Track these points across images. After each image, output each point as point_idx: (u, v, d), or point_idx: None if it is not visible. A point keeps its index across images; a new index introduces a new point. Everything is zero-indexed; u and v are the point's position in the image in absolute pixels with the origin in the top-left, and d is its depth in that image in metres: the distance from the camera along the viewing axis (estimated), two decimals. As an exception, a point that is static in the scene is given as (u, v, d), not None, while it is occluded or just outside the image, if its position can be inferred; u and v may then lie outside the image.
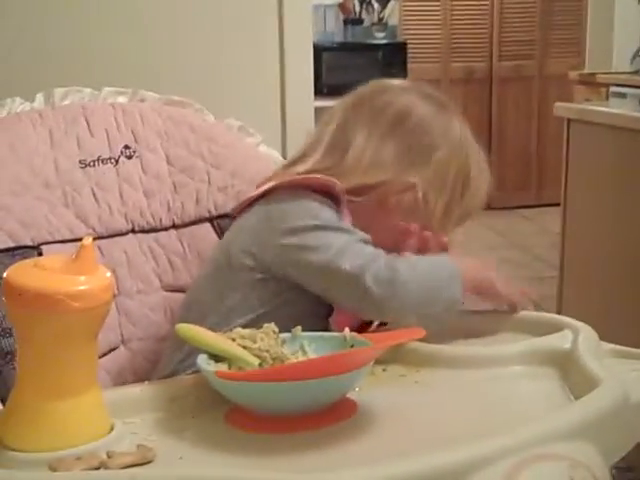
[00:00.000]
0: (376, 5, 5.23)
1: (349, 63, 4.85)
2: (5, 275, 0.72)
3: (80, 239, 1.17)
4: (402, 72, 5.13)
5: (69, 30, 1.73)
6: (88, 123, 1.25)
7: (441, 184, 1.08)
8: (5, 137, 1.18)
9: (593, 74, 4.17)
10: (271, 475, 0.63)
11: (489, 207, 4.77)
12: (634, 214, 2.24)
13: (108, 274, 0.74)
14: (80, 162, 1.22)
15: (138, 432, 0.75)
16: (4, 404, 0.94)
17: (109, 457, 0.68)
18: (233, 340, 0.80)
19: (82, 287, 0.71)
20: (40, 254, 1.13)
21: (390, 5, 5.23)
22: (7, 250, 1.09)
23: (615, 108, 2.76)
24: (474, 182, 1.13)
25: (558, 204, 5.38)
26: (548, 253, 4.32)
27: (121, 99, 1.31)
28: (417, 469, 0.61)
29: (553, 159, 5.49)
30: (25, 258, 1.10)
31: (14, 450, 0.71)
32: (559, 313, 2.72)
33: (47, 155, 1.20)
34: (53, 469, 0.68)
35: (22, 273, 0.72)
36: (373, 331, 0.92)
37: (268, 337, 0.80)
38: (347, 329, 0.82)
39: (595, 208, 2.46)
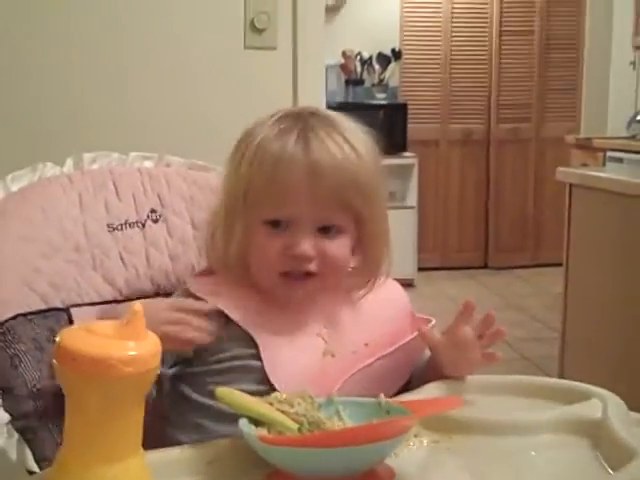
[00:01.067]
0: (377, 66, 5.35)
1: (350, 123, 4.93)
2: (58, 339, 0.75)
3: (108, 301, 1.22)
4: (402, 132, 5.23)
5: (97, 95, 1.79)
6: (116, 187, 1.28)
7: None
8: (37, 201, 1.20)
9: (589, 139, 4.26)
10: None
11: (486, 266, 4.82)
12: (636, 276, 2.28)
13: (157, 340, 0.77)
14: (108, 226, 1.24)
15: (179, 496, 0.77)
16: (39, 465, 0.96)
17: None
18: (271, 404, 0.82)
19: (134, 352, 0.73)
20: (70, 316, 1.16)
21: (391, 67, 5.35)
22: (40, 312, 1.12)
23: (612, 173, 2.82)
24: None
25: (554, 265, 5.47)
26: (545, 314, 4.36)
27: (147, 164, 1.35)
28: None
29: (549, 220, 5.57)
30: (57, 320, 1.14)
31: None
32: (561, 374, 2.75)
33: (77, 219, 1.22)
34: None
35: (75, 338, 0.74)
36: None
37: (305, 401, 0.82)
38: (382, 394, 0.85)
39: (597, 270, 2.50)
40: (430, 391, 0.93)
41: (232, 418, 0.84)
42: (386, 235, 1.11)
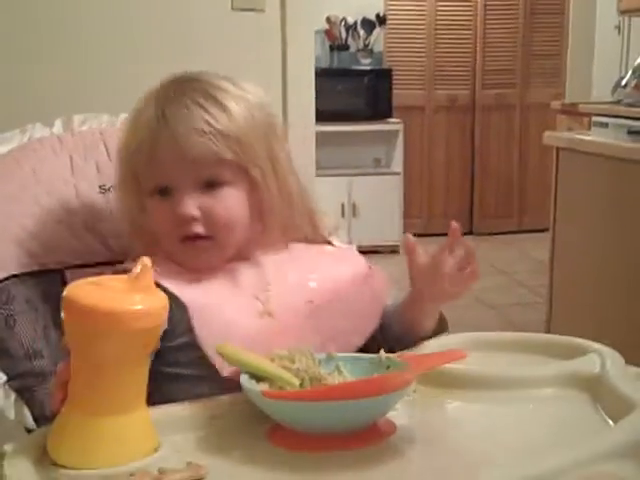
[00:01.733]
0: (362, 32, 5.30)
1: (335, 88, 4.92)
2: (66, 293, 0.74)
3: (102, 263, 1.21)
4: (387, 98, 5.21)
5: (85, 58, 1.77)
6: (107, 149, 1.27)
7: None
8: (27, 162, 1.19)
9: (575, 104, 4.26)
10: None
11: (471, 232, 4.84)
12: (623, 239, 2.30)
13: (164, 295, 0.77)
14: (100, 187, 1.23)
15: (181, 450, 0.77)
16: (38, 424, 0.96)
17: (161, 473, 0.71)
18: (272, 360, 0.83)
19: (143, 307, 0.73)
20: (64, 277, 1.15)
21: (375, 32, 5.31)
22: (33, 273, 1.11)
23: (598, 137, 2.82)
24: None
25: (539, 230, 5.50)
26: (530, 279, 4.39)
27: (138, 125, 1.33)
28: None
29: (534, 186, 5.59)
30: (51, 281, 1.13)
31: (65, 467, 0.73)
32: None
33: (68, 180, 1.21)
34: (107, 487, 0.70)
35: (84, 292, 0.74)
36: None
37: (306, 358, 0.83)
38: (382, 350, 0.85)
39: (584, 233, 2.52)
40: (431, 347, 0.94)
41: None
42: (289, 195, 1.08)
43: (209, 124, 1.00)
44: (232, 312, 0.99)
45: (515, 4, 5.49)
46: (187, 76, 1.07)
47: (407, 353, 0.90)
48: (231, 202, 1.03)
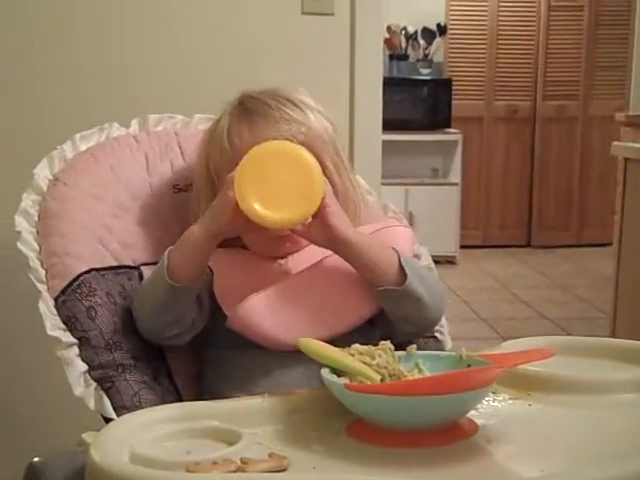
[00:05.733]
0: (422, 42, 5.30)
1: (394, 98, 4.91)
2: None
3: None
4: (446, 108, 5.20)
5: (160, 62, 1.80)
6: (181, 149, 1.29)
7: None
8: (106, 160, 1.22)
9: (641, 116, 4.18)
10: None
11: (529, 245, 4.76)
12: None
13: None
14: (174, 187, 1.26)
15: (263, 442, 0.78)
16: (117, 413, 0.98)
17: (244, 463, 0.71)
18: (352, 356, 0.83)
19: None
20: (140, 274, 1.17)
21: (436, 42, 5.30)
22: (112, 268, 1.13)
23: (664, 150, 2.76)
24: None
25: (598, 245, 5.39)
26: (590, 294, 4.32)
27: (211, 126, 1.35)
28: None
29: (595, 200, 5.51)
30: (128, 277, 1.15)
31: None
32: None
33: (144, 179, 1.24)
34: (191, 472, 0.70)
35: None
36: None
37: (386, 354, 0.83)
38: (464, 348, 0.85)
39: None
40: (512, 349, 0.93)
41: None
42: (352, 202, 1.15)
43: (285, 113, 1.10)
44: (251, 276, 1.10)
45: (579, 15, 5.43)
46: (263, 88, 1.15)
47: (489, 351, 0.89)
48: None
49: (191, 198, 1.20)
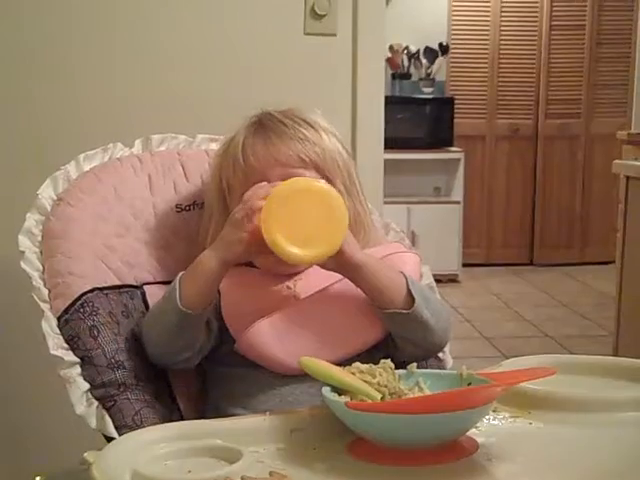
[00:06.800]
0: (424, 61, 5.33)
1: (396, 117, 4.93)
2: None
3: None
4: (448, 127, 5.21)
5: (162, 81, 1.82)
6: (184, 169, 1.30)
7: None
8: (109, 180, 1.23)
9: (642, 134, 4.19)
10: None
11: (531, 263, 4.75)
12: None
13: None
14: (177, 206, 1.26)
15: (264, 461, 0.78)
16: (119, 432, 0.98)
17: (245, 482, 0.71)
18: (353, 374, 0.83)
19: None
20: (143, 294, 1.18)
21: (438, 61, 5.32)
22: (115, 287, 1.14)
23: (666, 168, 2.76)
24: None
25: (601, 263, 5.38)
26: (593, 311, 4.31)
27: (214, 146, 1.36)
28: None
29: (597, 218, 5.51)
30: (131, 296, 1.16)
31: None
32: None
33: (147, 199, 1.25)
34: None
35: None
36: None
37: (386, 372, 0.83)
38: (464, 366, 0.85)
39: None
40: (512, 367, 0.93)
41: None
42: (361, 223, 1.17)
43: (300, 133, 1.12)
44: (257, 297, 1.10)
45: (581, 34, 5.45)
46: (281, 108, 1.18)
47: (489, 370, 0.90)
48: None
49: (204, 213, 1.22)
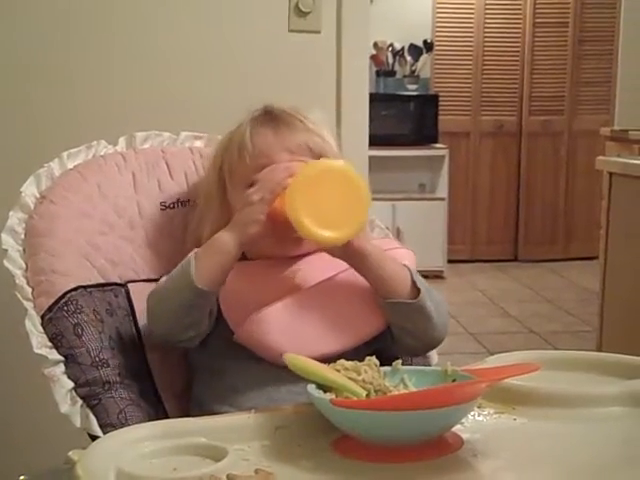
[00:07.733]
0: (409, 58, 5.33)
1: (381, 114, 4.93)
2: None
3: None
4: (433, 123, 5.23)
5: (146, 78, 1.81)
6: (168, 166, 1.29)
7: None
8: (93, 178, 1.22)
9: (625, 131, 4.22)
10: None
11: (516, 259, 4.78)
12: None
13: None
14: (161, 204, 1.26)
15: (249, 458, 0.78)
16: (103, 431, 0.98)
17: (230, 479, 0.71)
18: (338, 371, 0.83)
19: None
20: (127, 291, 1.18)
21: (422, 58, 5.33)
22: (99, 285, 1.13)
23: (649, 164, 2.78)
24: None
25: (585, 258, 5.41)
26: (577, 307, 4.34)
27: (198, 143, 1.36)
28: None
29: (581, 214, 5.54)
30: (115, 294, 1.16)
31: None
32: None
33: (131, 197, 1.24)
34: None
35: None
36: None
37: (371, 369, 0.83)
38: (449, 363, 0.86)
39: (638, 261, 2.48)
40: (496, 363, 0.94)
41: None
42: None
43: (307, 125, 1.15)
44: (257, 289, 1.10)
45: (564, 32, 5.48)
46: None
47: (474, 366, 0.90)
48: None
49: (192, 209, 1.22)
